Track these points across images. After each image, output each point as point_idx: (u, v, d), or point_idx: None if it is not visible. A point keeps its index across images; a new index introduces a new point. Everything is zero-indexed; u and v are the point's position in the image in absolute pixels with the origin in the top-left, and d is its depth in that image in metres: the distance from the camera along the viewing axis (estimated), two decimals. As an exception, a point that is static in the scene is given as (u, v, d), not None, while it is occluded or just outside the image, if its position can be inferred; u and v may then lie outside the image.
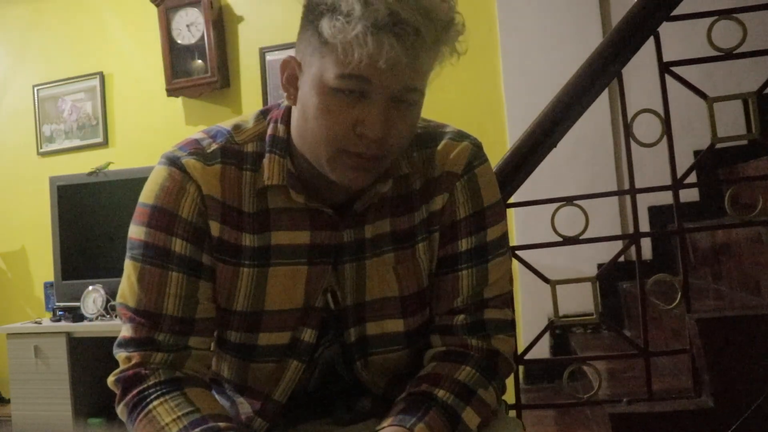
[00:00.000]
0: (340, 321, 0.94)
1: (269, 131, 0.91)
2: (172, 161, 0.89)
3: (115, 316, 3.06)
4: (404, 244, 0.94)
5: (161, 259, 0.88)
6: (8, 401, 3.38)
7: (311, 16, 0.81)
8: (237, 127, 0.93)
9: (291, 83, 0.87)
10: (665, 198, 1.86)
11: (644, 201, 2.54)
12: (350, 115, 0.80)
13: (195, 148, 0.90)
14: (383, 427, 0.83)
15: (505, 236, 0.98)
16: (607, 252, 1.89)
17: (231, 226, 0.89)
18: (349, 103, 0.80)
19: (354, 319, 0.94)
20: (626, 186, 1.56)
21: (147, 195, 0.90)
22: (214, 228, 0.88)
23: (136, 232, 0.89)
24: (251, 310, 0.91)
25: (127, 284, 0.90)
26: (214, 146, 0.90)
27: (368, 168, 0.83)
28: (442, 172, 0.94)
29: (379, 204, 0.93)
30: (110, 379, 0.89)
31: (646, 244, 2.66)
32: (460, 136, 0.97)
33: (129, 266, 0.90)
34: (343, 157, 0.82)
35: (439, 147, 0.95)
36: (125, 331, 0.90)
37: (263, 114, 0.95)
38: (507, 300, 0.98)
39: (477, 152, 0.96)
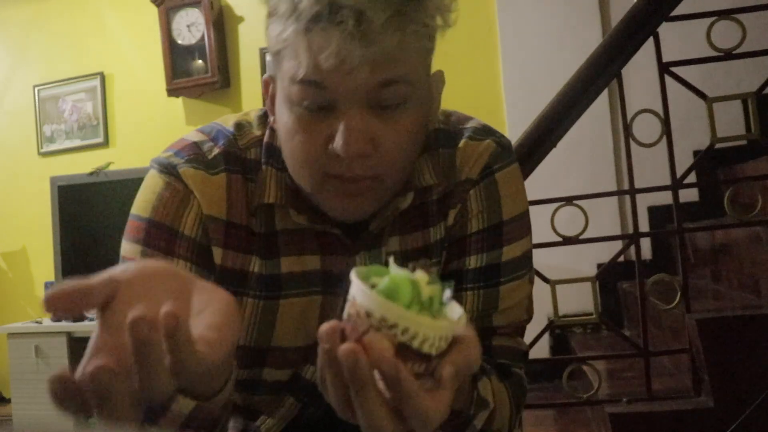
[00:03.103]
0: None
1: (266, 138, 0.78)
2: (168, 169, 0.75)
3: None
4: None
5: None
6: (9, 401, 3.38)
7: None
8: (240, 128, 0.79)
9: (273, 102, 0.75)
10: (665, 198, 1.86)
11: (644, 201, 2.54)
12: (321, 132, 0.67)
13: (194, 153, 0.76)
14: None
15: (525, 256, 0.81)
16: (606, 252, 1.89)
17: (236, 250, 0.76)
18: (318, 117, 0.67)
19: None
20: (626, 186, 1.56)
21: (142, 206, 0.75)
22: (217, 255, 0.75)
23: (130, 251, 0.75)
24: (255, 346, 0.79)
25: None
26: (216, 151, 0.76)
27: (363, 192, 0.69)
28: (461, 179, 0.79)
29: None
30: None
31: (645, 244, 2.66)
32: (483, 132, 0.81)
33: None
34: (329, 181, 0.69)
35: (459, 148, 0.80)
36: None
37: (266, 116, 0.81)
38: (520, 329, 0.83)
39: (500, 153, 0.80)
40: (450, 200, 0.79)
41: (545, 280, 1.48)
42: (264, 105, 0.77)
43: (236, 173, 0.76)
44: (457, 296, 0.78)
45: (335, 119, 0.66)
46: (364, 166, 0.67)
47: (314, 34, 0.63)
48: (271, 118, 0.77)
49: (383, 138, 0.67)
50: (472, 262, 0.79)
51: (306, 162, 0.69)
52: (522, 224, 0.81)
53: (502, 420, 0.75)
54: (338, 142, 0.65)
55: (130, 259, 0.75)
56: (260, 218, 0.76)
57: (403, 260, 0.78)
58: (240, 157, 0.77)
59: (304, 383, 0.81)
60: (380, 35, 0.62)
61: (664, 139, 1.48)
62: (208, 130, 0.80)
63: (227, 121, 0.81)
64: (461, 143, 0.80)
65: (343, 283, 0.73)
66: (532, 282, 0.83)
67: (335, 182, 0.69)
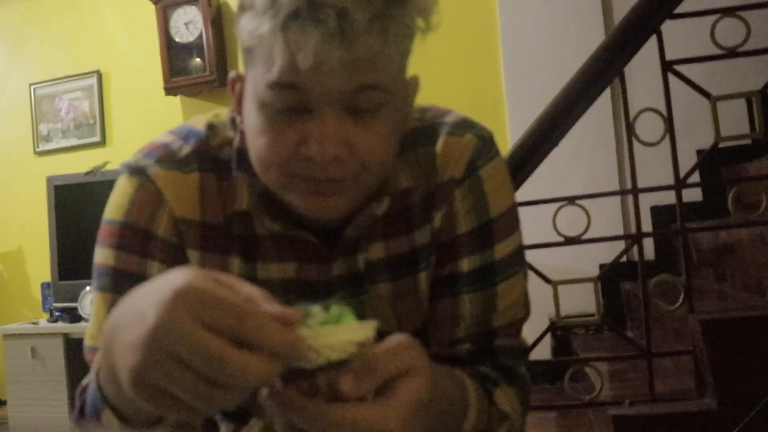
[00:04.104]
0: None
1: (236, 142, 0.75)
2: (138, 171, 0.73)
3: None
4: (402, 272, 0.77)
5: (137, 287, 0.72)
6: (5, 403, 3.37)
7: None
8: (212, 128, 0.77)
9: (240, 102, 0.72)
10: (668, 198, 1.85)
11: (647, 201, 2.53)
12: (293, 134, 0.64)
13: (163, 154, 0.74)
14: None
15: (518, 251, 0.80)
16: (609, 252, 1.88)
17: (214, 252, 0.74)
18: (290, 118, 0.64)
19: None
20: (628, 186, 1.55)
21: (114, 210, 0.74)
22: (194, 258, 0.73)
23: (103, 256, 0.74)
24: None
25: (96, 322, 0.74)
26: (188, 149, 0.74)
27: (335, 191, 0.66)
28: (443, 179, 0.77)
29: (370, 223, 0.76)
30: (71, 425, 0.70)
31: (648, 244, 2.65)
32: (463, 126, 0.78)
33: (98, 299, 0.74)
34: (296, 181, 0.66)
35: (438, 146, 0.77)
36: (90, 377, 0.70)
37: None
38: (519, 328, 0.82)
39: (482, 147, 0.77)
40: (434, 202, 0.77)
41: (547, 280, 1.47)
42: (237, 110, 0.73)
43: (209, 172, 0.74)
44: (454, 301, 0.77)
45: (308, 121, 0.63)
46: (338, 169, 0.64)
47: (292, 32, 0.59)
48: (238, 119, 0.73)
49: (359, 142, 0.64)
50: (465, 264, 0.77)
51: (273, 163, 0.66)
52: (511, 219, 0.79)
53: (516, 427, 0.75)
54: (313, 147, 0.62)
55: (105, 265, 0.74)
56: (238, 223, 0.74)
57: (389, 266, 0.77)
58: (213, 156, 0.75)
59: None
60: (362, 36, 0.59)
61: (667, 138, 1.47)
62: (178, 131, 0.78)
63: (199, 121, 0.78)
64: (440, 141, 0.77)
65: (319, 292, 0.73)
66: (526, 277, 0.81)
67: (300, 181, 0.66)
